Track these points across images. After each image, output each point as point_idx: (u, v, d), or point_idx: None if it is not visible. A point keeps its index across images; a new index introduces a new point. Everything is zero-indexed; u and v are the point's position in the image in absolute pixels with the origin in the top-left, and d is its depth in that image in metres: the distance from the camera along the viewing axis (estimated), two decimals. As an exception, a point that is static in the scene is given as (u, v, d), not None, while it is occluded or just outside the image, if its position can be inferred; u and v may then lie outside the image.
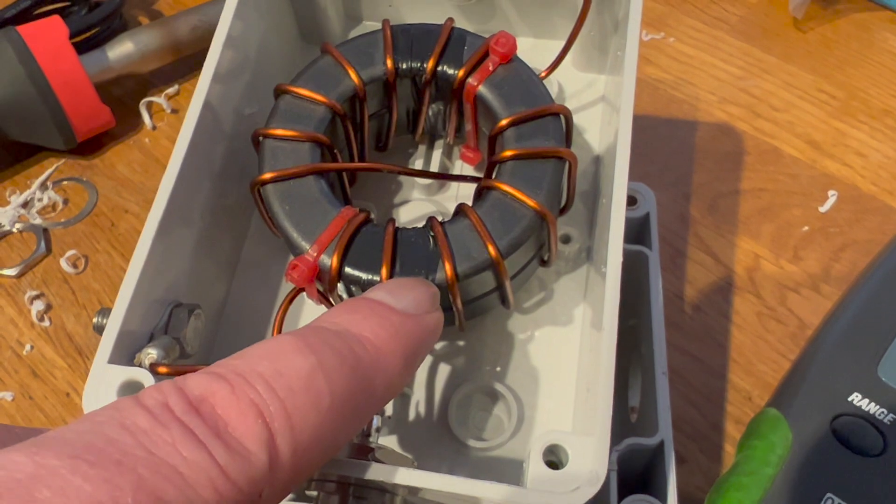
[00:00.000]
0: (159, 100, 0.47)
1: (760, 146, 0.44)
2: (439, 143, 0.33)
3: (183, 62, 0.48)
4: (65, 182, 0.45)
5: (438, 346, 0.30)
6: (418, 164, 0.33)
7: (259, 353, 0.18)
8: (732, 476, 0.28)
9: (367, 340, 0.19)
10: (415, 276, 0.25)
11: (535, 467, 0.22)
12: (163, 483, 0.15)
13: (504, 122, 0.27)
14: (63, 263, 0.41)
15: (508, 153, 0.27)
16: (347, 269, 0.25)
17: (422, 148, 0.33)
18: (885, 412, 0.27)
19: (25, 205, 0.44)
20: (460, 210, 0.27)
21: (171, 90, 0.48)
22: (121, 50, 0.45)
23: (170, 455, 0.15)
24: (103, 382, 0.23)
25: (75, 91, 0.42)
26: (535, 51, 0.34)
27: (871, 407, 0.28)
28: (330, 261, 0.25)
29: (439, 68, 0.29)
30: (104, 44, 0.46)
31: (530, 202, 0.26)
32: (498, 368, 0.29)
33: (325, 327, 0.19)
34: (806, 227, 0.41)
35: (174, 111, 0.47)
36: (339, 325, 0.20)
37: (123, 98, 0.48)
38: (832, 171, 0.43)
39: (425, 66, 0.29)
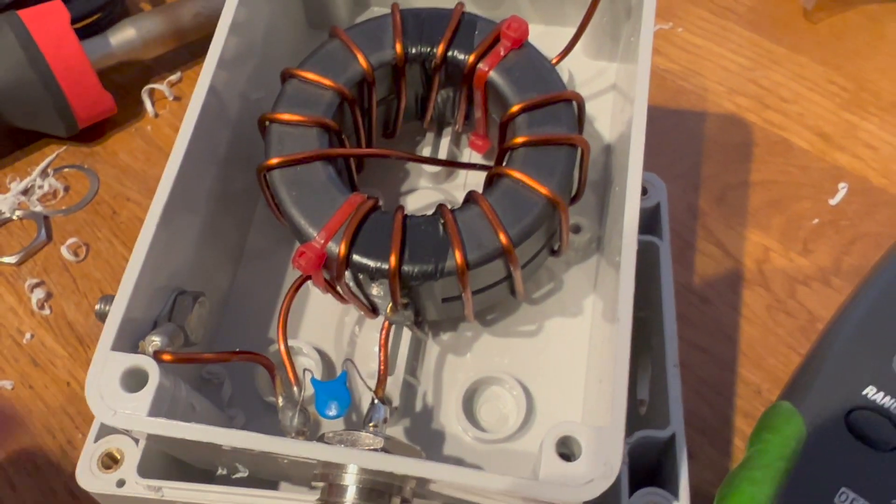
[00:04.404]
0: (161, 87, 0.47)
1: (770, 138, 0.44)
2: (447, 131, 0.33)
3: (185, 49, 0.48)
4: (66, 169, 0.44)
5: (446, 336, 0.29)
6: (426, 152, 0.33)
7: None
8: (745, 470, 0.27)
9: None
10: (424, 264, 0.25)
11: (548, 459, 0.21)
12: None
13: (516, 108, 0.27)
14: (64, 251, 0.40)
15: (520, 139, 0.26)
16: (356, 257, 0.25)
17: (429, 135, 0.33)
18: (901, 406, 0.27)
19: (26, 192, 0.43)
20: (471, 197, 0.26)
21: (173, 77, 0.47)
22: (123, 36, 0.45)
23: None
24: (106, 369, 0.22)
25: (77, 77, 0.42)
26: (545, 38, 0.33)
27: (886, 400, 0.27)
28: (338, 248, 0.25)
29: (449, 53, 0.28)
30: (106, 29, 0.45)
31: (542, 189, 0.25)
32: (506, 360, 0.29)
33: None
34: (816, 220, 0.40)
35: (177, 98, 0.47)
36: None
37: (125, 85, 0.47)
38: (842, 163, 0.42)
39: (435, 50, 0.28)
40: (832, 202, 0.41)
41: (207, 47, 0.28)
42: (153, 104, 0.46)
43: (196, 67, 0.48)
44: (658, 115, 0.45)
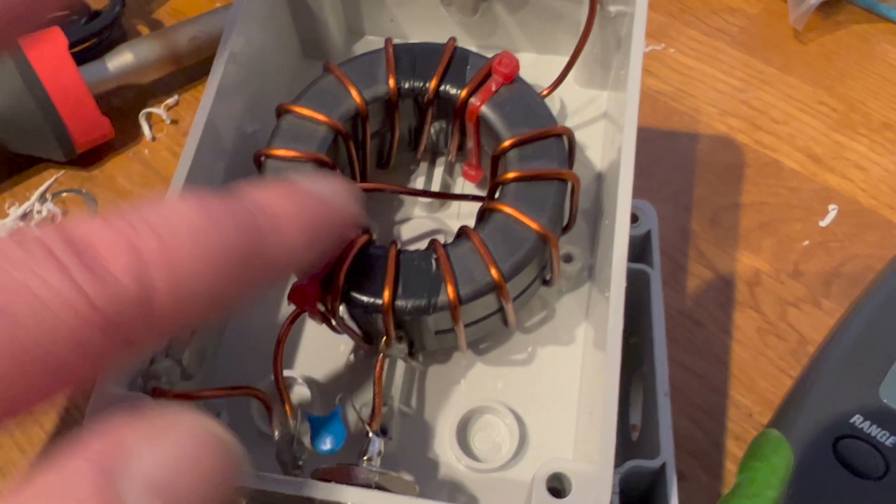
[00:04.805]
0: (159, 111, 0.47)
1: (761, 159, 0.44)
2: (441, 161, 0.33)
3: (182, 73, 0.48)
4: (64, 194, 0.44)
5: (440, 365, 0.30)
6: (420, 181, 0.33)
7: (148, 203, 0.18)
8: (734, 498, 0.28)
9: (265, 205, 0.19)
10: (417, 300, 0.25)
11: (539, 495, 0.22)
12: (13, 301, 0.15)
13: (507, 143, 0.27)
14: (62, 276, 0.41)
15: (512, 175, 0.27)
16: (350, 293, 0.25)
17: (423, 165, 0.33)
18: (887, 435, 0.27)
19: (24, 217, 0.43)
20: (463, 232, 0.26)
21: (170, 101, 0.48)
22: (120, 60, 0.45)
23: (27, 276, 0.15)
24: (103, 408, 0.23)
25: (75, 102, 0.42)
26: (537, 66, 0.34)
27: (872, 429, 0.28)
28: (332, 284, 0.25)
29: (442, 88, 0.29)
30: (103, 54, 0.45)
31: (533, 225, 0.26)
32: (500, 387, 0.29)
33: (225, 192, 0.19)
34: (806, 242, 0.41)
35: (174, 122, 0.47)
36: (241, 191, 0.19)
37: (123, 109, 0.47)
38: (833, 184, 0.43)
39: (428, 85, 0.29)
40: (822, 224, 0.42)
41: (204, 71, 0.29)
42: (150, 128, 0.47)
43: (193, 91, 0.48)
44: (650, 136, 0.45)
